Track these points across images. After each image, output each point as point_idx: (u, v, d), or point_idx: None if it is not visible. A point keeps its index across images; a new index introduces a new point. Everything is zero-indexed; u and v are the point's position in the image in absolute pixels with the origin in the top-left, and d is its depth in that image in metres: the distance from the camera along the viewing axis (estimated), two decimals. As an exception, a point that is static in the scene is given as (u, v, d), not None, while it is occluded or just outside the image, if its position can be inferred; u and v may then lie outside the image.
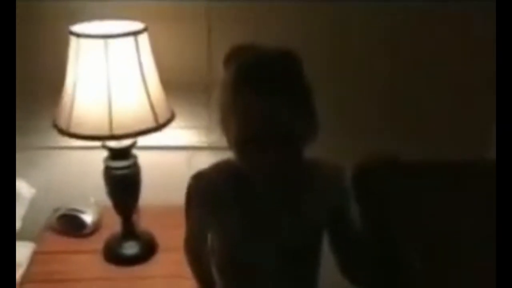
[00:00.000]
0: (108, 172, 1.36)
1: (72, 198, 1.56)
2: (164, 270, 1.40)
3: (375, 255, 1.07)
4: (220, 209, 1.06)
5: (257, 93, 0.89)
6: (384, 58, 1.52)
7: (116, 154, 1.34)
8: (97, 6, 1.41)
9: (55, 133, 1.29)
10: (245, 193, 1.04)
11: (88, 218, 1.52)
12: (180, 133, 1.57)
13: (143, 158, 1.39)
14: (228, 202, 1.04)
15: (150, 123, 1.27)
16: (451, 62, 1.52)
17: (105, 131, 1.22)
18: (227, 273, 1.14)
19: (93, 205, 1.55)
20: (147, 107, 1.26)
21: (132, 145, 1.34)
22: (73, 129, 1.24)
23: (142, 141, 1.33)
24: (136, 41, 1.23)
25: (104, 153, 1.35)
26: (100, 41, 1.19)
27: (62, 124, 1.26)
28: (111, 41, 1.20)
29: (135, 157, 1.37)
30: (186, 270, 1.21)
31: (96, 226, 1.54)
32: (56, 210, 1.54)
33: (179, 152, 1.61)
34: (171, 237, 1.34)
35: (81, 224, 1.51)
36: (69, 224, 1.52)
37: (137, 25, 1.27)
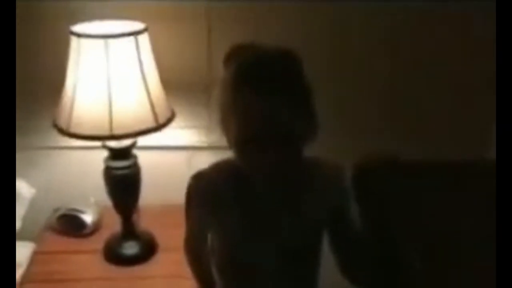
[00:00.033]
0: (108, 172, 1.36)
1: (72, 198, 1.56)
2: (164, 270, 1.40)
3: (375, 255, 1.06)
4: (220, 209, 1.06)
5: (257, 93, 0.89)
6: (384, 58, 1.52)
7: (116, 154, 1.34)
8: (97, 6, 1.41)
9: (55, 133, 1.29)
10: (245, 193, 1.04)
11: (88, 218, 1.52)
12: (180, 133, 1.57)
13: (143, 158, 1.39)
14: (228, 202, 1.04)
15: (150, 123, 1.27)
16: (451, 62, 1.52)
17: (105, 131, 1.22)
18: (227, 273, 1.14)
19: (93, 205, 1.55)
20: (147, 107, 1.26)
21: (132, 145, 1.34)
22: (73, 129, 1.24)
23: (142, 141, 1.33)
24: (137, 41, 1.23)
25: (104, 153, 1.35)
26: (101, 41, 1.19)
27: (62, 124, 1.26)
28: (111, 41, 1.20)
29: (135, 157, 1.37)
30: (186, 270, 1.21)
31: (96, 226, 1.54)
32: (56, 210, 1.54)
33: (179, 152, 1.61)
34: (171, 237, 1.34)
35: (81, 224, 1.51)
36: (69, 224, 1.52)
37: (137, 25, 1.27)
